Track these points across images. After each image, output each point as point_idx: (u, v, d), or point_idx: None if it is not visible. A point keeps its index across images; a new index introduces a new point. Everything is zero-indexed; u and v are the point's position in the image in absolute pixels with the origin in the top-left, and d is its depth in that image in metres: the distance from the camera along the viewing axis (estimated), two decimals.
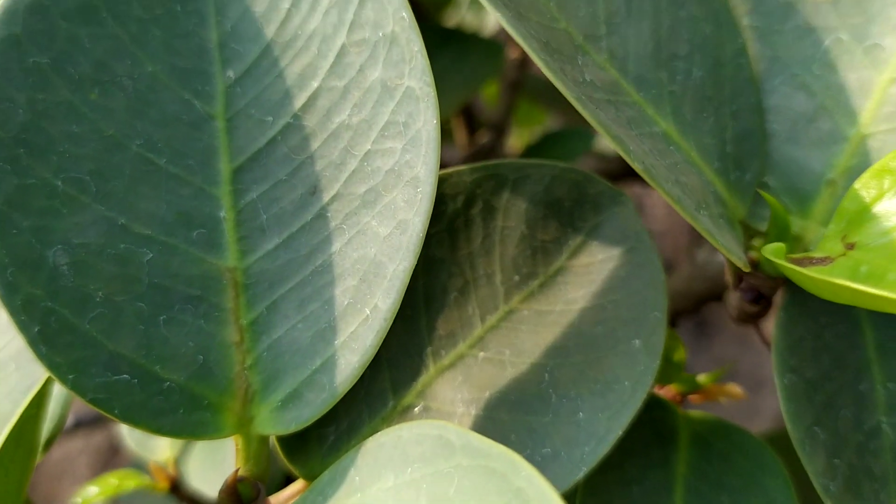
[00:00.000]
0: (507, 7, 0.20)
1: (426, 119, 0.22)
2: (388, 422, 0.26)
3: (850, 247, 0.22)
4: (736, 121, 0.26)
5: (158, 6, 0.24)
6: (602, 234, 0.27)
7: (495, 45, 0.49)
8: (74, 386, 0.21)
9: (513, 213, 0.27)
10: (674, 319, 0.36)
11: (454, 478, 0.19)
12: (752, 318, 0.28)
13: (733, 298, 0.28)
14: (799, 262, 0.22)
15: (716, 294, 0.36)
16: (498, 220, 0.27)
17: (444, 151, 0.55)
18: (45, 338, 0.21)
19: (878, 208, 0.22)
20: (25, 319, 0.21)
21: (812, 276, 0.20)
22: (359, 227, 0.23)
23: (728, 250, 0.20)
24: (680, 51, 0.25)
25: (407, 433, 0.20)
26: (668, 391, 0.29)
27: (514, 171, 0.27)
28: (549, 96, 0.54)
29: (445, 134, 0.55)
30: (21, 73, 0.23)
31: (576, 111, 0.21)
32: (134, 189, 0.23)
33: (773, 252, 0.21)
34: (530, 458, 0.24)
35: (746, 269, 0.22)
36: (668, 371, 0.28)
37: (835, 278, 0.19)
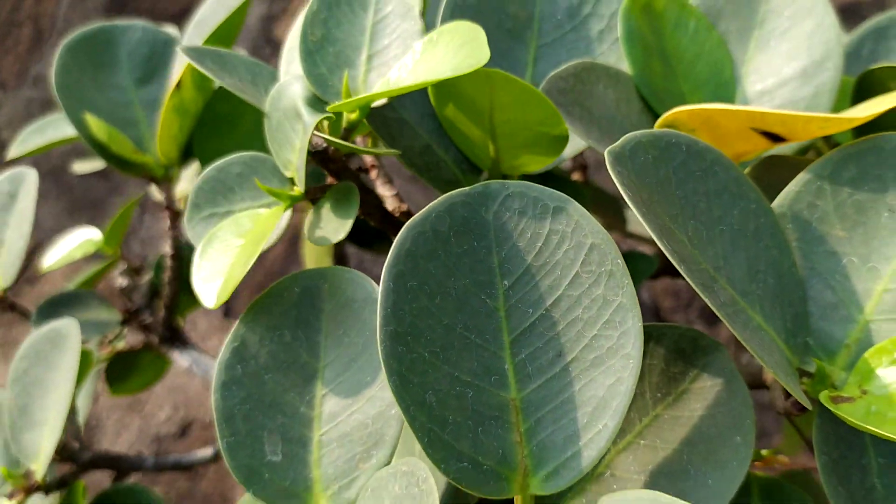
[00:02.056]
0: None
1: (633, 322, 0.40)
2: (587, 481, 0.43)
3: (864, 392, 0.41)
4: (790, 307, 0.44)
5: (465, 243, 0.42)
6: (709, 369, 0.45)
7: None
8: (444, 471, 0.39)
9: (655, 356, 0.45)
10: None
11: None
12: (790, 415, 0.47)
13: (779, 403, 0.46)
14: (835, 399, 0.41)
15: (753, 385, 0.54)
16: (646, 360, 0.45)
17: None
18: (429, 444, 0.39)
19: (880, 371, 0.41)
20: (421, 436, 0.39)
21: (842, 415, 0.38)
22: (590, 378, 0.41)
23: (797, 395, 0.38)
24: (760, 268, 0.44)
25: (631, 495, 0.38)
26: None
27: (656, 331, 0.45)
28: (611, 215, 0.73)
29: None
30: (405, 293, 0.40)
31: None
32: (460, 355, 0.41)
33: (823, 398, 0.40)
34: None
35: (809, 407, 0.40)
36: None
37: (855, 419, 0.37)
